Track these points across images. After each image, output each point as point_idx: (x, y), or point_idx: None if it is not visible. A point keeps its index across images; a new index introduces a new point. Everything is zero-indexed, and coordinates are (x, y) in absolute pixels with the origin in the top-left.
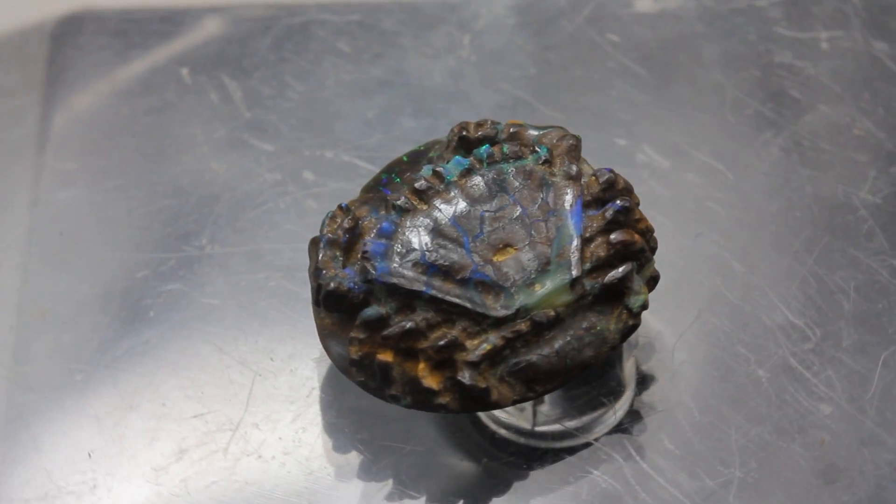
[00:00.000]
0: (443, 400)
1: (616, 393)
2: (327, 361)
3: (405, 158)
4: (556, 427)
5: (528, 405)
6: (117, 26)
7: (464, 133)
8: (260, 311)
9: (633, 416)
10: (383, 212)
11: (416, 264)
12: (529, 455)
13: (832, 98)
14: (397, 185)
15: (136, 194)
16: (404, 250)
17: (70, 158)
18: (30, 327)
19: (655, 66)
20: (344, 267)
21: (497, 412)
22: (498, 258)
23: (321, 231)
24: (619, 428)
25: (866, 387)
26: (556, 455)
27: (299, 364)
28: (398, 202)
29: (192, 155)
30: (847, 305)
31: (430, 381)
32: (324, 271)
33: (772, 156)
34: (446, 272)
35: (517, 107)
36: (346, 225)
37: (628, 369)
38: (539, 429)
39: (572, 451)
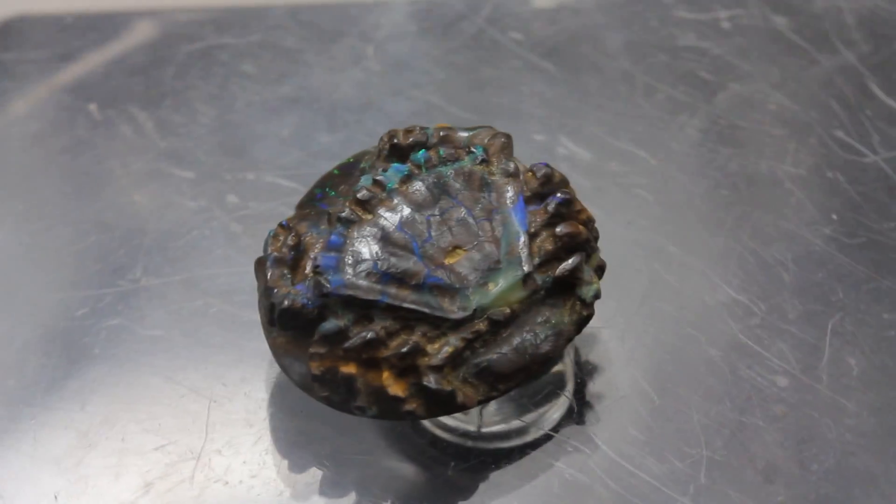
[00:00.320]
0: (409, 407)
1: (569, 384)
2: (281, 382)
3: (336, 171)
4: (511, 425)
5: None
6: (18, 69)
7: (395, 140)
8: (204, 338)
9: (591, 406)
10: (325, 226)
11: (369, 274)
12: (496, 455)
13: (741, 75)
14: (333, 198)
15: (63, 233)
16: (355, 261)
17: None
18: None
19: (561, 60)
20: (294, 284)
21: (447, 417)
22: (449, 261)
23: (265, 251)
24: (580, 419)
25: (818, 356)
26: (522, 452)
27: (252, 387)
28: (343, 214)
29: (113, 189)
30: (787, 277)
31: (396, 389)
32: (275, 290)
33: (690, 137)
34: (400, 279)
35: (430, 112)
36: (289, 242)
37: (580, 360)
38: (487, 430)
39: (536, 445)
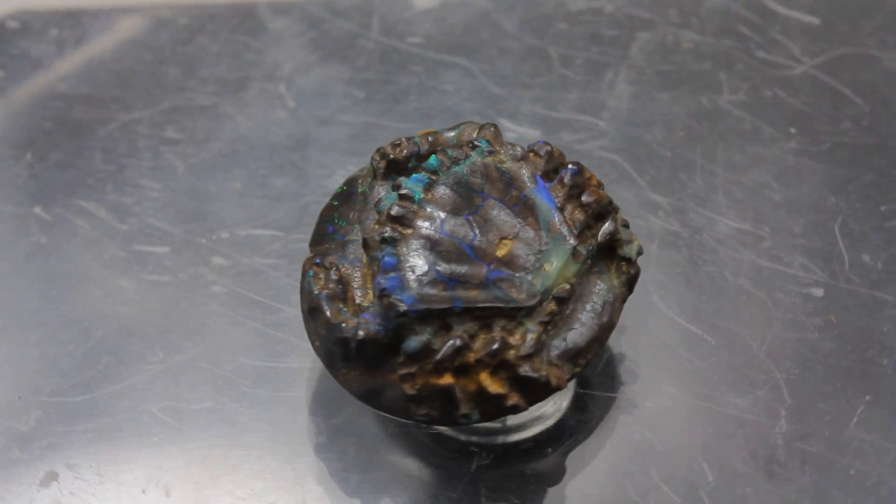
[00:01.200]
0: (512, 401)
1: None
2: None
3: (335, 203)
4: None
5: None
6: None
7: (390, 156)
8: (252, 396)
9: (648, 359)
10: (354, 255)
11: (435, 283)
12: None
13: (643, 24)
14: (347, 227)
15: (67, 334)
16: (417, 275)
17: None
18: None
19: (469, 51)
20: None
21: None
22: (500, 253)
23: (310, 293)
24: (634, 377)
25: (839, 260)
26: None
27: (305, 435)
28: (386, 234)
29: (97, 281)
30: (776, 197)
31: (496, 387)
32: (342, 325)
33: (624, 92)
34: (465, 281)
35: (370, 130)
36: (334, 277)
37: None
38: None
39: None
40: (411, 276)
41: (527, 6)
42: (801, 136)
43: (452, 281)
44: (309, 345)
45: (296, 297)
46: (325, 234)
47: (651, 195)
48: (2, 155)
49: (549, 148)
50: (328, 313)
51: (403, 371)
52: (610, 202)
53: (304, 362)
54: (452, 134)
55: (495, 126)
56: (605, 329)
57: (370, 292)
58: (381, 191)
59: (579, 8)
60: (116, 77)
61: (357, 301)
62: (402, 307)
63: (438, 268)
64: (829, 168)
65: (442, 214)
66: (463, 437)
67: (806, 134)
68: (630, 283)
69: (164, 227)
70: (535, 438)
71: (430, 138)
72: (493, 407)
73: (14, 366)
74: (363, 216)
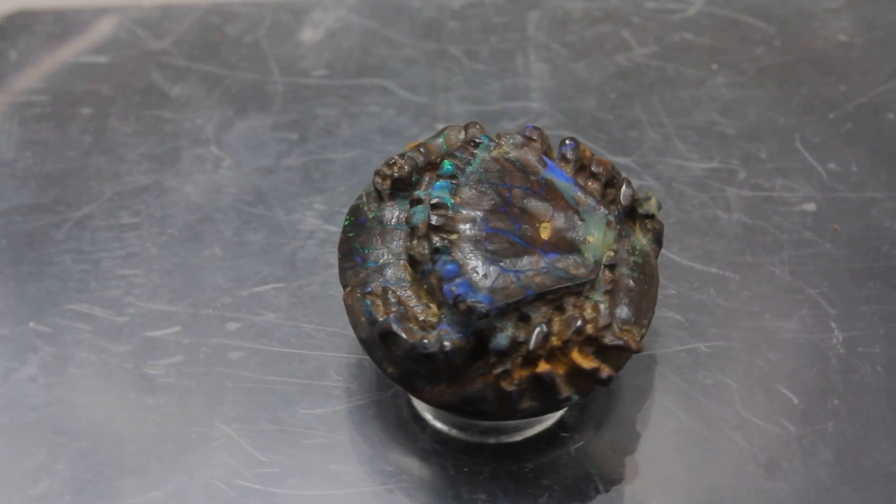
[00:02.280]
0: (604, 373)
1: None
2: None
3: (351, 234)
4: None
5: None
6: None
7: (394, 176)
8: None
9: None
10: (393, 278)
11: (502, 278)
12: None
13: (531, 3)
14: (376, 252)
15: (99, 452)
16: (483, 275)
17: None
18: None
19: (375, 70)
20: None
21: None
22: (545, 236)
23: (374, 321)
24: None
25: (815, 173)
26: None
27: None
28: (436, 244)
29: (118, 383)
30: (731, 129)
31: (588, 362)
32: (424, 342)
33: (542, 70)
34: (528, 269)
35: (320, 166)
36: (392, 299)
37: None
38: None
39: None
40: (477, 277)
41: (409, 15)
42: (724, 69)
43: (517, 272)
44: (351, 383)
45: (324, 341)
46: (356, 266)
47: (613, 158)
48: None
49: (534, 131)
50: (404, 335)
51: (498, 370)
52: (614, 167)
53: (356, 401)
54: (440, 140)
55: (478, 123)
56: (654, 286)
57: (432, 306)
58: (395, 211)
59: (460, 4)
60: (47, 180)
61: (420, 318)
62: (483, 308)
63: (501, 263)
64: (764, 92)
65: (479, 213)
66: (463, 437)
67: (728, 67)
68: (658, 239)
69: (164, 308)
70: (534, 437)
71: (420, 150)
72: (589, 382)
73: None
74: (387, 238)
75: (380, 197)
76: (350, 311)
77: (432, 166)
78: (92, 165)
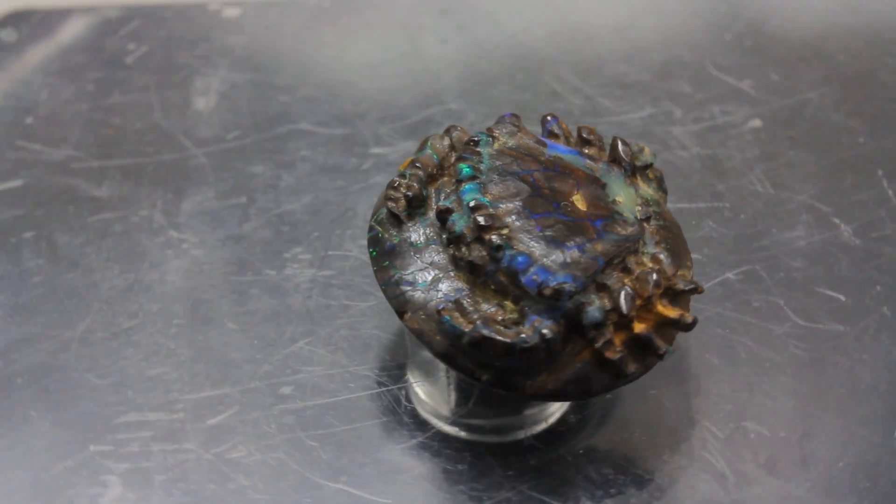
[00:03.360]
0: (686, 319)
1: None
2: None
3: (385, 263)
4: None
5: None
6: None
7: (409, 194)
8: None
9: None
10: (451, 291)
11: (570, 255)
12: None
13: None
14: (420, 273)
15: None
16: (553, 258)
17: None
18: None
19: (287, 118)
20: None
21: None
22: (583, 207)
23: (460, 334)
24: None
25: (744, 100)
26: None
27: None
28: (496, 242)
29: (202, 472)
30: (652, 68)
31: (671, 311)
32: (523, 335)
33: (449, 73)
34: (588, 241)
35: (286, 217)
36: (471, 308)
37: None
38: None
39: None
40: (549, 261)
41: (286, 61)
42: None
43: (579, 247)
44: (424, 408)
45: (383, 377)
46: (407, 290)
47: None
48: None
49: (516, 117)
50: (499, 336)
51: (599, 342)
52: (594, 130)
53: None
54: (428, 151)
55: (457, 126)
56: (679, 229)
57: (506, 304)
58: (420, 228)
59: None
60: (25, 311)
61: (499, 319)
62: (570, 287)
63: (567, 243)
64: (662, 31)
65: (517, 203)
66: (463, 436)
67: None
68: (662, 185)
69: (212, 394)
70: (535, 437)
71: (417, 164)
72: (672, 332)
73: None
74: (425, 256)
75: (397, 220)
76: (420, 333)
77: (432, 178)
78: (62, 284)
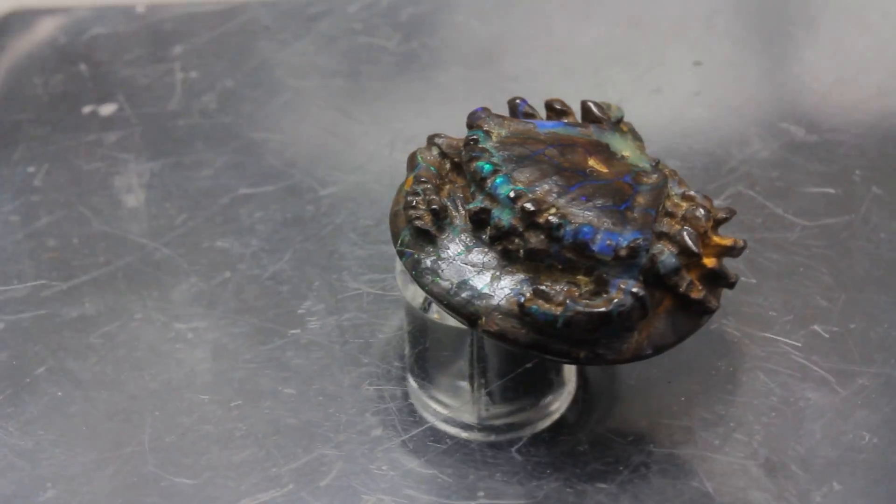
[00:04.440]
0: (739, 244)
1: None
2: None
3: (436, 279)
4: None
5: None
6: None
7: (434, 207)
8: None
9: None
10: (513, 283)
11: (623, 214)
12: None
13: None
14: (476, 278)
15: None
16: (611, 221)
17: None
18: None
19: (210, 136)
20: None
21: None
22: (604, 169)
23: (553, 318)
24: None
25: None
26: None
27: None
28: (554, 221)
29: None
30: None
31: (726, 240)
32: (615, 300)
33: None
34: (629, 198)
35: (269, 280)
36: (551, 292)
37: None
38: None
39: None
40: (610, 224)
41: (196, 139)
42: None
43: (625, 204)
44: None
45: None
46: (474, 296)
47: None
48: None
49: (486, 109)
50: (594, 309)
51: (682, 287)
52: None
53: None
54: (422, 165)
55: (439, 133)
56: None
57: (578, 279)
58: (454, 236)
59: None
60: None
61: (578, 295)
62: (644, 241)
63: (615, 204)
64: None
65: (550, 181)
66: (464, 435)
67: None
68: (636, 135)
69: (310, 458)
70: (535, 435)
71: (422, 179)
72: (731, 259)
73: None
74: (473, 262)
75: (428, 236)
76: (501, 334)
77: (438, 188)
78: (102, 407)
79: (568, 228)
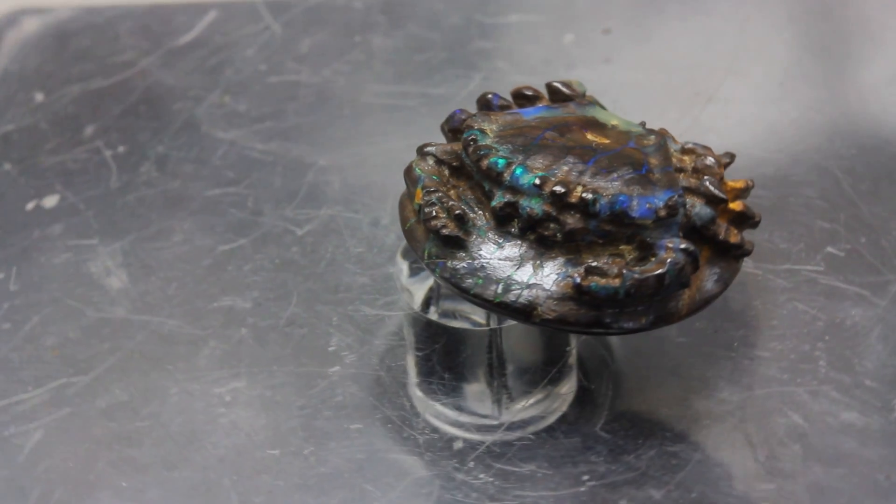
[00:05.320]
0: (750, 184)
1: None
2: None
3: (477, 279)
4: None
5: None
6: None
7: (458, 212)
8: None
9: None
10: (559, 267)
11: (647, 177)
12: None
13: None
14: (519, 272)
15: None
16: (638, 186)
17: None
18: None
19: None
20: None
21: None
22: (606, 140)
23: (614, 290)
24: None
25: None
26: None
27: None
28: (588, 196)
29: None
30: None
31: (741, 182)
32: (669, 259)
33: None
34: (644, 161)
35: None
36: (604, 265)
37: None
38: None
39: None
40: (640, 189)
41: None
42: None
43: (645, 167)
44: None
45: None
46: (521, 289)
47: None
48: None
49: (465, 112)
50: (652, 273)
51: (721, 234)
52: None
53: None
54: (422, 178)
55: (427, 144)
56: None
57: (622, 250)
58: (482, 237)
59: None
60: None
61: (624, 263)
62: (679, 198)
63: (635, 170)
64: None
65: (567, 162)
66: (463, 435)
67: None
68: (601, 105)
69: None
70: (535, 435)
71: (431, 188)
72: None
73: None
74: (509, 256)
75: (457, 241)
76: (561, 319)
77: (449, 195)
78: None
79: (603, 202)
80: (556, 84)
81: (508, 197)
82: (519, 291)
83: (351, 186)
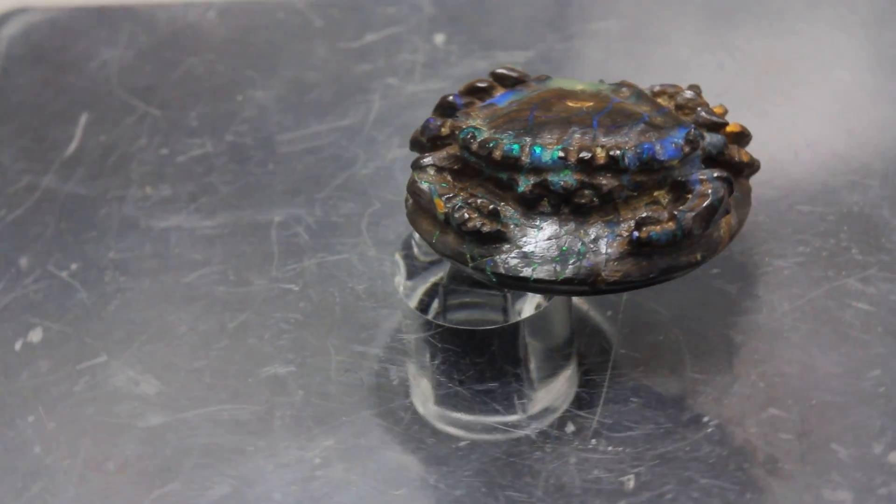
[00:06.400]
0: (724, 108)
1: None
2: None
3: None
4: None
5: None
6: None
7: (491, 207)
8: None
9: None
10: (613, 218)
11: (653, 122)
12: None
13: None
14: (569, 240)
15: None
16: (653, 132)
17: None
18: None
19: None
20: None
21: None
22: (594, 103)
23: (670, 235)
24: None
25: None
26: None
27: None
28: (616, 153)
29: None
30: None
31: (719, 108)
32: (709, 191)
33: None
34: (639, 110)
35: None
36: (655, 214)
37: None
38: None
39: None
40: (655, 134)
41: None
42: None
43: (646, 115)
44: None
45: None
46: (578, 262)
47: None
48: None
49: (440, 119)
50: (698, 209)
51: (735, 158)
52: None
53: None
54: (432, 189)
55: (418, 159)
56: None
57: (655, 195)
58: (520, 225)
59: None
60: None
61: (665, 205)
62: (697, 132)
63: (642, 117)
64: None
65: (574, 131)
66: (464, 435)
67: None
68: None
69: None
70: (534, 434)
71: (448, 195)
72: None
73: None
74: (555, 233)
75: (499, 236)
76: (626, 276)
77: (471, 196)
78: None
79: (630, 154)
80: (501, 70)
81: (534, 178)
82: (578, 263)
83: (320, 231)
